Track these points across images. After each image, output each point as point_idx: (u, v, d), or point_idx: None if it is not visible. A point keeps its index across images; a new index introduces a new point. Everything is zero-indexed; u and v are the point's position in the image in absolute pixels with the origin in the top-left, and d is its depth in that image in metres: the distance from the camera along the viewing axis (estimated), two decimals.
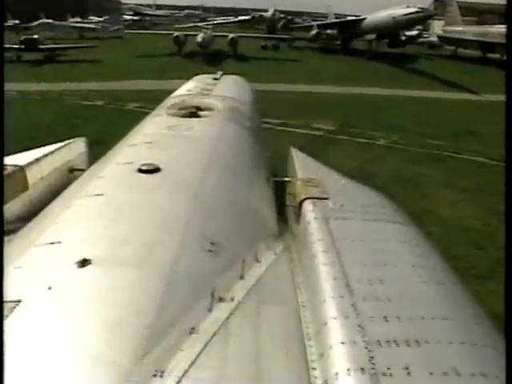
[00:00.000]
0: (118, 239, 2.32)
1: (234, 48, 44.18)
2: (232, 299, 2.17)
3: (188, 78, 8.71)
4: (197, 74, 8.98)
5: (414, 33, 57.70)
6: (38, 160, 3.94)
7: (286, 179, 4.37)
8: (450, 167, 14.93)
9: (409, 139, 17.59)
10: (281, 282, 2.50)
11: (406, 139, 17.59)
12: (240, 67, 34.40)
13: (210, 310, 2.07)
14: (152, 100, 10.71)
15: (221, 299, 2.15)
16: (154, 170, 3.10)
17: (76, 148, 4.97)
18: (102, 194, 2.79)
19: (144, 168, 3.11)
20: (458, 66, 44.84)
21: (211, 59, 38.70)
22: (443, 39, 58.76)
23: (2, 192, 3.09)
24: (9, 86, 25.16)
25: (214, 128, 4.54)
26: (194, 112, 4.97)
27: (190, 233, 2.52)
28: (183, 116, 4.86)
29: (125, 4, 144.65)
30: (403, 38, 53.52)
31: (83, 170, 4.16)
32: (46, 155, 4.18)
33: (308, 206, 3.02)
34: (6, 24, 62.25)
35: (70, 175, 4.43)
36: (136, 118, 6.12)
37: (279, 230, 3.47)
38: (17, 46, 36.81)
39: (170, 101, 5.83)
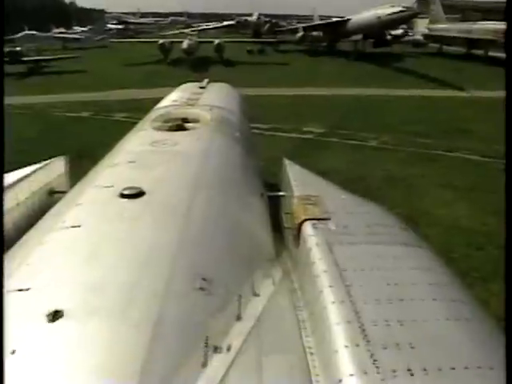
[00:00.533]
0: (96, 283, 2.03)
1: (220, 54, 44.03)
2: (229, 348, 1.89)
3: (175, 86, 8.47)
4: (184, 82, 8.74)
5: (399, 32, 57.92)
6: (12, 184, 3.62)
7: (281, 194, 4.11)
8: (443, 166, 14.78)
9: (399, 139, 17.46)
10: (283, 320, 2.24)
11: (396, 139, 17.45)
12: (227, 73, 34.24)
13: (204, 364, 1.79)
14: (139, 109, 10.46)
15: (216, 349, 1.87)
16: (138, 194, 2.83)
17: (55, 168, 4.66)
18: (78, 226, 2.50)
19: (126, 192, 2.83)
20: (443, 63, 44.96)
21: (198, 65, 38.49)
22: (428, 37, 59.03)
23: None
24: None
25: (202, 141, 4.26)
26: (180, 124, 4.71)
27: (178, 270, 2.23)
28: (169, 129, 4.60)
29: (109, 13, 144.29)
30: (389, 37, 53.72)
31: (64, 192, 3.86)
32: (21, 178, 3.84)
33: (308, 229, 2.76)
34: None
35: (49, 198, 4.13)
36: (124, 128, 5.87)
37: (276, 251, 3.22)
38: None
39: (154, 113, 5.56)
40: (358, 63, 43.12)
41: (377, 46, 52.08)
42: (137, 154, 3.75)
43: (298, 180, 3.80)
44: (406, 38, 60.98)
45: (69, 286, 2.00)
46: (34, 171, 4.19)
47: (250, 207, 3.56)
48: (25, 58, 37.59)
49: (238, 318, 2.09)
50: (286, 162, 4.52)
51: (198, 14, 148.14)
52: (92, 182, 3.29)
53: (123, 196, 2.80)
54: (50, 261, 2.23)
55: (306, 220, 2.84)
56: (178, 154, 3.76)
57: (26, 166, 4.68)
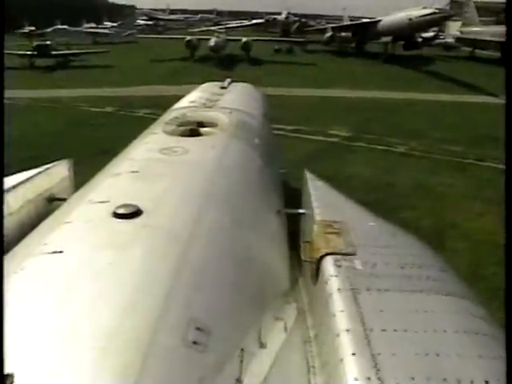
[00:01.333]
0: (68, 327, 1.69)
1: (247, 52, 43.71)
2: None
3: (200, 83, 8.18)
4: (209, 80, 8.42)
5: (431, 34, 56.71)
6: (6, 192, 3.29)
7: (301, 211, 3.73)
8: (473, 176, 14.17)
9: (428, 145, 16.85)
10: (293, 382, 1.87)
11: (425, 145, 16.84)
12: (253, 71, 33.99)
13: None
14: (162, 106, 10.26)
15: None
16: (134, 213, 2.48)
17: (58, 173, 4.34)
18: (60, 252, 2.16)
19: (121, 211, 2.48)
20: (476, 67, 43.77)
21: (224, 63, 38.26)
22: (460, 40, 57.59)
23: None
24: (19, 93, 25.05)
25: (217, 150, 3.88)
26: (194, 129, 4.37)
27: (168, 316, 1.84)
28: (182, 134, 4.26)
29: (139, 9, 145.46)
30: (419, 39, 52.61)
31: (64, 200, 3.54)
32: (17, 185, 3.52)
33: (329, 266, 2.37)
34: (21, 31, 62.97)
35: (48, 206, 3.81)
36: (146, 124, 5.61)
37: (292, 277, 2.86)
38: (30, 53, 36.88)
39: (169, 114, 5.22)
40: (387, 65, 42.27)
41: (407, 48, 51.00)
42: (142, 162, 3.41)
43: (321, 199, 3.41)
44: (437, 41, 59.69)
45: (35, 334, 1.66)
46: (33, 176, 3.87)
47: (264, 230, 3.18)
48: (53, 52, 37.89)
49: (238, 381, 1.72)
50: (308, 174, 4.14)
51: (227, 11, 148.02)
52: (88, 194, 2.96)
53: (117, 215, 2.47)
54: (20, 295, 1.89)
55: (327, 254, 2.46)
56: (188, 164, 3.40)
57: (45, 163, 4.43)
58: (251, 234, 2.92)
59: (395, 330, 1.87)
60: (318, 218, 3.04)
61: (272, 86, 25.40)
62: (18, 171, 4.91)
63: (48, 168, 4.23)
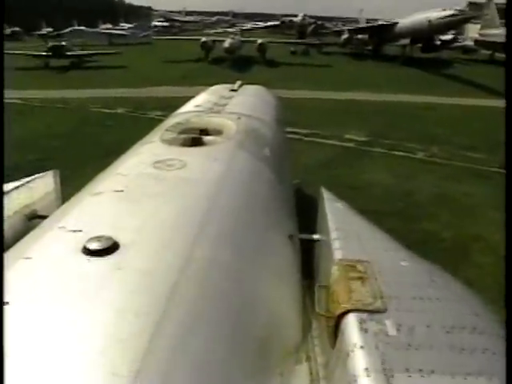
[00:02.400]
0: None
1: (262, 53, 43.27)
2: None
3: (214, 85, 7.71)
4: (223, 81, 7.91)
5: (449, 37, 55.67)
6: None
7: (316, 237, 3.17)
8: (497, 185, 13.44)
9: (449, 152, 16.16)
10: None
11: (446, 152, 16.16)
12: (268, 73, 33.51)
13: None
14: (174, 108, 9.86)
15: None
16: (107, 249, 1.97)
17: (42, 186, 3.82)
18: (7, 303, 1.64)
19: (92, 246, 1.97)
20: (495, 70, 42.73)
21: (239, 65, 37.84)
22: (480, 43, 56.43)
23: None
24: (32, 93, 24.87)
25: (220, 163, 3.30)
26: (196, 138, 3.83)
27: None
28: (182, 144, 3.72)
29: (156, 11, 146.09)
30: (438, 42, 51.65)
31: (45, 217, 3.00)
32: None
33: (351, 331, 1.83)
34: (39, 32, 63.34)
35: (29, 224, 3.28)
36: (155, 127, 5.18)
37: (305, 322, 2.32)
38: (44, 53, 36.94)
39: (171, 120, 4.68)
40: (405, 68, 41.47)
41: (425, 51, 50.10)
42: (129, 178, 2.87)
43: (340, 226, 2.84)
44: (456, 44, 58.61)
45: None
46: (12, 190, 3.34)
47: (272, 264, 2.59)
48: (68, 53, 37.86)
49: None
50: (325, 193, 3.57)
51: (243, 13, 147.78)
52: (61, 218, 2.44)
53: (86, 251, 1.96)
54: None
55: (349, 311, 1.92)
56: (184, 181, 2.85)
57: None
58: (256, 272, 2.36)
59: None
60: (337, 255, 2.48)
61: (287, 88, 24.87)
62: (28, 174, 4.46)
63: (30, 180, 3.72)
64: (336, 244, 2.62)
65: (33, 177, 3.84)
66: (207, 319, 1.83)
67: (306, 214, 4.22)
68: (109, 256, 1.94)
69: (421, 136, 17.89)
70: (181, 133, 4.05)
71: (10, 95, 22.96)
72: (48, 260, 2.00)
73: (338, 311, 1.94)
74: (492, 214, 11.31)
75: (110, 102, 23.12)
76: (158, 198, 2.59)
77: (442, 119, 21.52)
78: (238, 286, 2.13)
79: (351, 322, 1.87)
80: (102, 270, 1.87)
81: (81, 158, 13.26)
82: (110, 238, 2.02)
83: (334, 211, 3.21)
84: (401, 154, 15.85)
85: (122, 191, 2.61)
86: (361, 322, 1.85)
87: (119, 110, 21.76)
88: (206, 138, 3.92)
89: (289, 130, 14.75)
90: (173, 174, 2.94)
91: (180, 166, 3.04)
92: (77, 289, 1.79)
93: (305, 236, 3.30)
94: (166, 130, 4.16)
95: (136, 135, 5.67)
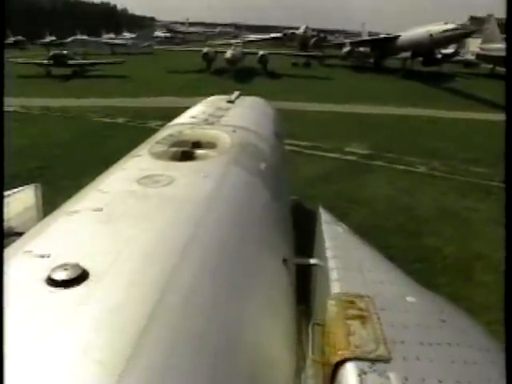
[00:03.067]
0: None
1: (263, 65, 43.34)
2: None
3: (215, 95, 7.57)
4: (224, 92, 7.76)
5: (450, 51, 55.78)
6: None
7: (313, 262, 2.96)
8: (499, 200, 13.25)
9: (451, 166, 16.02)
10: None
11: (447, 166, 16.00)
12: (270, 85, 33.51)
13: None
14: (174, 118, 9.83)
15: None
16: (74, 279, 1.77)
17: (22, 200, 3.61)
18: None
19: (57, 276, 1.77)
20: (497, 84, 42.74)
21: (240, 76, 37.84)
22: (481, 57, 56.54)
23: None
24: (33, 102, 24.79)
25: (211, 178, 3.09)
26: (187, 152, 3.63)
27: None
28: (172, 158, 3.51)
29: (159, 21, 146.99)
30: (439, 56, 51.73)
31: (20, 234, 2.78)
32: None
33: (350, 381, 1.64)
34: (42, 41, 63.58)
35: (5, 242, 3.07)
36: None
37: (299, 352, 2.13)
38: (46, 62, 37.02)
39: (163, 132, 4.49)
40: (406, 81, 41.47)
41: (426, 64, 50.17)
42: (110, 196, 2.66)
43: (338, 253, 2.63)
44: (457, 58, 58.71)
45: None
46: None
47: (264, 295, 2.35)
48: (70, 62, 37.92)
49: None
50: (323, 214, 3.36)
51: (245, 25, 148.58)
52: (31, 240, 2.24)
53: (50, 282, 1.75)
54: None
55: (347, 359, 1.72)
56: (169, 200, 2.63)
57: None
58: (244, 303, 2.12)
59: None
60: (334, 287, 2.27)
61: (288, 100, 24.81)
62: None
63: (10, 195, 3.52)
64: (334, 274, 2.41)
65: (11, 191, 3.64)
66: (184, 363, 1.62)
67: (305, 232, 4.05)
68: (75, 288, 1.73)
69: (422, 149, 17.74)
70: (171, 146, 3.85)
71: (12, 103, 22.90)
72: (6, 291, 1.80)
73: (335, 359, 1.74)
74: (494, 230, 11.14)
75: (111, 112, 23.04)
76: (138, 219, 2.37)
77: (444, 133, 21.41)
78: (222, 322, 1.87)
79: (350, 372, 1.67)
80: (65, 304, 1.66)
81: (80, 166, 13.09)
82: (78, 266, 1.81)
83: (332, 235, 3.00)
84: (402, 167, 15.70)
85: (100, 210, 2.40)
86: (360, 373, 1.65)
87: (119, 120, 21.65)
88: (198, 152, 3.72)
89: (289, 142, 14.65)
90: (158, 191, 2.74)
91: (167, 183, 2.84)
92: (34, 327, 1.58)
93: (301, 260, 3.08)
94: (156, 142, 3.96)
95: (134, 145, 5.55)
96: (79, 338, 1.53)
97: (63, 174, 12.81)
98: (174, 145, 3.88)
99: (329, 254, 2.69)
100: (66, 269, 1.80)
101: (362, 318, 1.94)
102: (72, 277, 1.76)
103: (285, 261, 2.80)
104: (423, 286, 2.73)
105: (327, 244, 2.84)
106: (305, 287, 3.05)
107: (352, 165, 15.88)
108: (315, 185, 12.58)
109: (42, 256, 1.94)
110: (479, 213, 12.06)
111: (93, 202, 2.57)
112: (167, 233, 2.26)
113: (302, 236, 3.95)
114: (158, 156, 3.53)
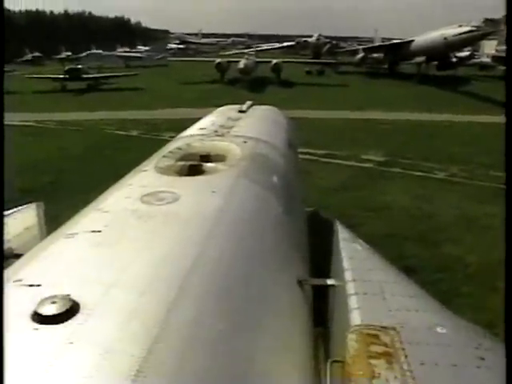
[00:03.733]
0: None
1: (277, 74, 43.24)
2: None
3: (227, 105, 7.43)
4: (238, 102, 7.62)
5: (466, 54, 55.11)
6: None
7: (330, 283, 2.75)
8: None
9: (469, 171, 15.67)
10: None
11: (466, 171, 15.66)
12: (284, 93, 33.40)
13: None
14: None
15: None
16: (63, 314, 1.59)
17: (23, 220, 3.46)
18: None
19: (44, 311, 1.60)
20: None
21: (254, 85, 37.78)
22: (497, 59, 55.73)
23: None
24: (48, 116, 25.03)
25: (219, 194, 2.89)
26: (195, 166, 3.46)
27: None
28: (179, 172, 3.34)
29: (172, 33, 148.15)
30: (454, 59, 51.10)
31: (20, 256, 2.62)
32: None
33: None
34: (58, 56, 64.46)
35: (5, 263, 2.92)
36: None
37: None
38: (62, 76, 37.48)
39: (171, 145, 4.33)
40: (422, 86, 41.00)
41: (441, 68, 49.58)
42: (111, 216, 2.49)
43: (358, 276, 2.42)
44: (473, 61, 57.98)
45: None
46: None
47: (274, 325, 2.13)
48: (84, 76, 38.32)
49: None
50: (340, 229, 3.14)
51: (258, 35, 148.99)
52: (23, 267, 2.07)
53: (37, 317, 1.58)
54: None
55: None
56: (174, 220, 2.44)
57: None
58: (255, 336, 1.91)
59: None
60: (355, 318, 2.07)
61: (303, 108, 24.64)
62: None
63: (10, 214, 3.38)
64: (353, 301, 2.20)
65: (12, 210, 3.50)
66: None
67: (322, 245, 3.85)
68: (63, 324, 1.55)
69: (440, 155, 17.40)
70: (179, 159, 3.67)
71: (27, 118, 23.14)
72: None
73: None
74: None
75: (125, 124, 23.15)
76: (139, 242, 2.19)
77: (462, 137, 21.02)
78: (228, 359, 1.67)
79: None
80: (51, 344, 1.48)
81: (93, 180, 13.07)
82: (68, 299, 1.64)
83: (350, 254, 2.78)
84: (420, 174, 15.38)
85: (99, 232, 2.24)
86: None
87: (133, 132, 21.71)
88: (207, 165, 3.53)
89: (304, 150, 14.45)
90: (162, 209, 2.55)
91: (172, 200, 2.65)
92: (14, 370, 1.41)
93: (317, 281, 2.86)
94: (163, 156, 3.79)
95: (147, 157, 5.43)
96: None
97: (77, 188, 12.80)
98: (181, 158, 3.70)
99: (348, 276, 2.48)
100: (54, 302, 1.63)
101: (387, 356, 1.73)
102: (60, 311, 1.59)
103: (300, 282, 2.60)
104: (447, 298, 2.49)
105: (345, 264, 2.63)
106: (322, 307, 2.85)
107: (369, 172, 15.61)
108: (332, 194, 12.37)
109: (32, 285, 1.78)
110: (500, 219, 11.70)
111: (92, 223, 2.41)
112: (169, 258, 2.08)
113: (319, 250, 3.76)
114: (163, 171, 3.35)
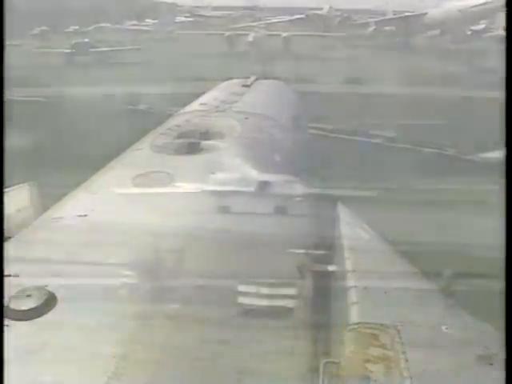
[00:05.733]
0: None
1: (287, 47, 42.57)
2: None
3: (237, 78, 7.14)
4: (246, 76, 7.34)
5: (481, 27, 53.75)
6: None
7: (331, 269, 2.49)
8: None
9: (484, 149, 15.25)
10: None
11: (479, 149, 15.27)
12: (293, 67, 32.88)
13: None
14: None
15: None
16: (39, 307, 1.41)
17: (14, 201, 3.22)
18: None
19: (18, 306, 1.43)
20: None
21: (263, 59, 37.15)
22: None
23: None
24: (54, 91, 24.81)
25: (216, 176, 2.64)
26: (193, 143, 3.20)
27: None
28: (176, 151, 3.09)
29: (181, 6, 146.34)
30: (469, 32, 49.84)
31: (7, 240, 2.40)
32: None
33: None
34: (66, 30, 63.81)
35: None
36: None
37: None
38: (68, 51, 37.21)
39: (171, 121, 4.07)
40: (435, 60, 40.05)
41: (456, 42, 48.41)
42: (99, 199, 2.28)
43: (359, 266, 2.17)
44: (489, 34, 56.57)
45: None
46: None
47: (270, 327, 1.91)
48: (92, 49, 37.98)
49: None
50: (341, 212, 2.87)
51: (268, 8, 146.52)
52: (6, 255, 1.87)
53: (10, 312, 1.40)
54: None
55: None
56: (164, 205, 2.20)
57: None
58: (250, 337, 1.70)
59: None
60: (353, 315, 1.83)
61: (313, 82, 24.17)
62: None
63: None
64: (352, 295, 1.96)
65: (6, 190, 3.25)
66: None
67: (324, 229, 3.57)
68: (37, 320, 1.37)
69: (455, 132, 16.93)
70: (177, 137, 3.42)
71: (33, 93, 22.94)
72: None
73: None
74: None
75: (132, 98, 22.95)
76: (123, 230, 1.97)
77: (478, 113, 20.44)
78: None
79: None
80: (21, 342, 1.29)
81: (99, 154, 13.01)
82: (45, 291, 1.45)
83: (353, 243, 2.52)
84: (431, 150, 15.00)
85: (84, 216, 2.03)
86: None
87: (141, 107, 21.58)
88: (205, 143, 3.27)
89: (313, 125, 14.10)
90: (153, 192, 2.31)
91: (166, 182, 2.41)
92: None
93: (318, 267, 2.60)
94: (161, 133, 3.53)
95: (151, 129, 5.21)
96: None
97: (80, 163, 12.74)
98: (179, 136, 3.45)
99: (348, 265, 2.23)
100: (29, 295, 1.45)
101: (386, 361, 1.49)
102: (35, 305, 1.41)
103: (300, 267, 2.35)
104: None
105: (347, 253, 2.38)
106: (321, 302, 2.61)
107: (377, 148, 15.25)
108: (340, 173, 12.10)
109: (9, 276, 1.58)
110: None
111: (79, 207, 2.21)
112: (153, 251, 1.86)
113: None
114: (160, 149, 3.12)
